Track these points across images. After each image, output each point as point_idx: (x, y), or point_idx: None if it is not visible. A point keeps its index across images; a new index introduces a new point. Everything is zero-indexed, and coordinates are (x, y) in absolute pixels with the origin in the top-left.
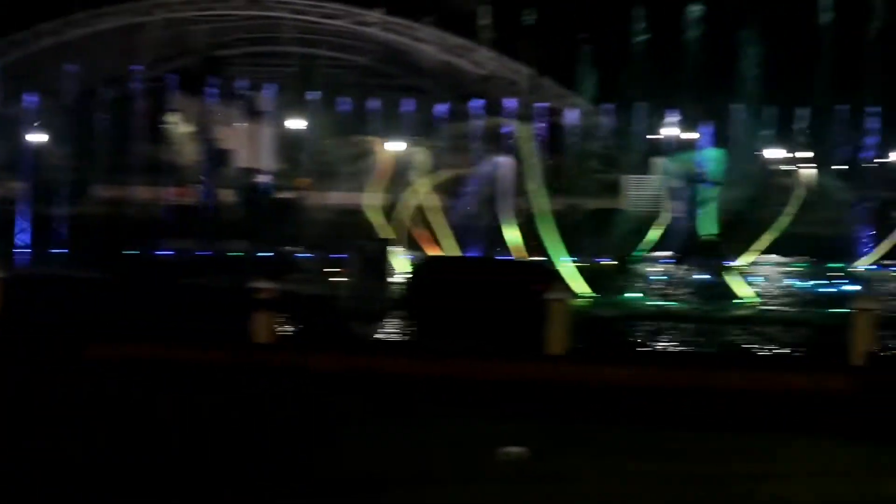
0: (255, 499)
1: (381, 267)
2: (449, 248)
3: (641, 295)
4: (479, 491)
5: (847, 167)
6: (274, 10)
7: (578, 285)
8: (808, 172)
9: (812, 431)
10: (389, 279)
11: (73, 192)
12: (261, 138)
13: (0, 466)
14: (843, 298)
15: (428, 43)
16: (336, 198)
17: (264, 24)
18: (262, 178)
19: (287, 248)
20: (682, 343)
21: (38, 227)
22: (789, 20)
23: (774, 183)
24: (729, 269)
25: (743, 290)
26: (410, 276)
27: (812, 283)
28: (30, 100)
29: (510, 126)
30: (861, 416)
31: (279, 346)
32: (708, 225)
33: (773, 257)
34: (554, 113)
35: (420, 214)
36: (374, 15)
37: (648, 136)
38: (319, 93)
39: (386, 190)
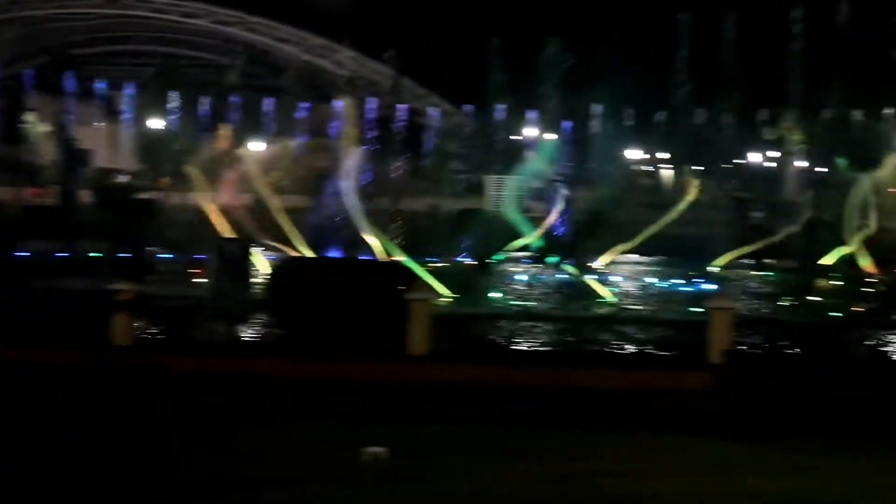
0: (122, 500)
1: (243, 267)
2: (306, 248)
3: (502, 295)
4: (344, 492)
5: (704, 168)
6: (133, 8)
7: (440, 286)
8: (667, 173)
9: (673, 428)
10: (251, 280)
11: None
12: (120, 138)
13: None
14: (701, 297)
15: (289, 43)
16: (197, 198)
17: (124, 23)
18: (121, 178)
19: (148, 248)
20: (544, 343)
21: None
22: (653, 24)
23: (635, 183)
24: (589, 268)
25: (602, 289)
26: (270, 276)
27: (671, 282)
28: None
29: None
30: (720, 413)
31: (139, 348)
32: (567, 225)
33: (634, 257)
34: (415, 113)
35: (280, 214)
36: (235, 14)
37: (511, 137)
38: (179, 92)
39: (247, 190)
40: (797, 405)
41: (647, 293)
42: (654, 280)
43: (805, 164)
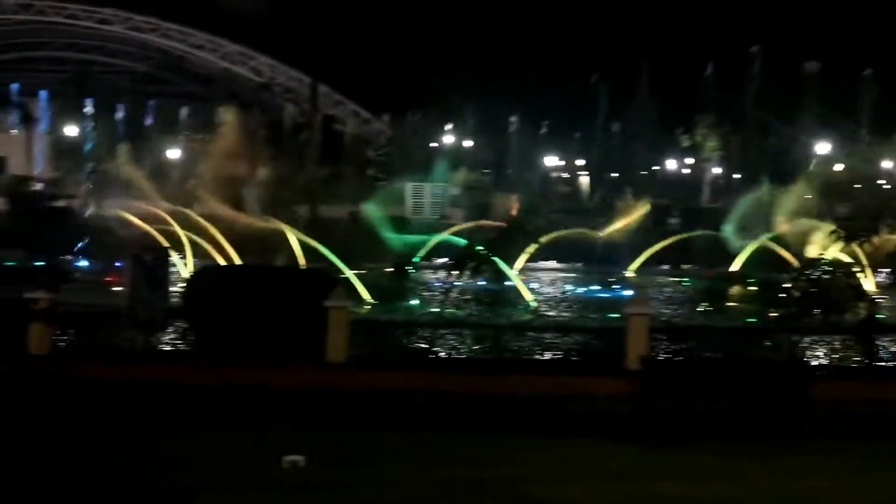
0: None
1: (160, 276)
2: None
3: (418, 302)
4: (264, 499)
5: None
6: (47, 14)
7: (358, 293)
8: (584, 180)
9: (593, 434)
10: (169, 288)
11: None
12: (35, 145)
13: None
14: (618, 303)
15: (205, 50)
16: (116, 206)
17: (38, 29)
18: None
19: (65, 257)
20: (463, 349)
21: None
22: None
23: (553, 190)
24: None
25: (525, 295)
26: (186, 285)
27: (589, 288)
28: None
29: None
30: (638, 418)
31: (55, 357)
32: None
33: (551, 263)
34: (332, 120)
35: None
36: (150, 21)
37: (431, 144)
38: (95, 99)
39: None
40: (713, 410)
41: (565, 299)
42: (572, 286)
43: (719, 170)
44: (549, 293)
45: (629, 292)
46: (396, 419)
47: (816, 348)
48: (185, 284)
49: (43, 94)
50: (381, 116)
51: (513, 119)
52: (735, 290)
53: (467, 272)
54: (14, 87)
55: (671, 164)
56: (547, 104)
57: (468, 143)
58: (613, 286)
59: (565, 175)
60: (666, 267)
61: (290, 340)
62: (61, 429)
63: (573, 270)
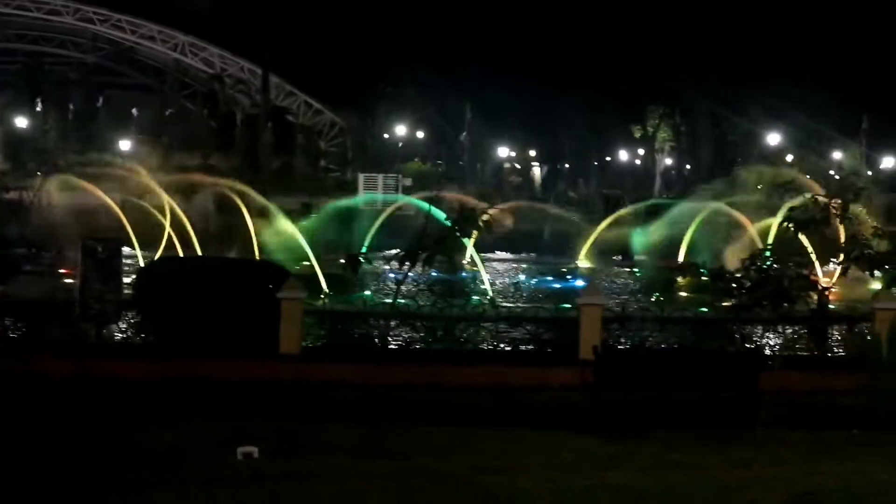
0: None
1: (112, 268)
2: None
3: (370, 293)
4: (214, 492)
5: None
6: None
7: (312, 284)
8: (536, 171)
9: (546, 425)
10: (122, 280)
11: None
12: None
13: None
14: (570, 293)
15: (156, 41)
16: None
17: None
18: None
19: (15, 249)
20: (416, 340)
21: None
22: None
23: (505, 180)
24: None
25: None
26: (138, 276)
27: (538, 279)
28: None
29: None
30: (591, 409)
31: (2, 350)
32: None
33: (503, 254)
34: (283, 111)
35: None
36: (101, 12)
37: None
38: (45, 90)
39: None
40: (665, 400)
41: (518, 290)
42: (524, 277)
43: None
44: (501, 284)
45: (581, 283)
46: (351, 410)
47: (768, 338)
48: (136, 276)
49: None
50: (333, 107)
51: (466, 110)
52: (687, 280)
53: (420, 263)
54: None
55: (623, 155)
56: (500, 94)
57: (420, 135)
58: (566, 276)
59: (517, 166)
60: (619, 257)
61: (243, 332)
62: (4, 424)
63: (525, 261)
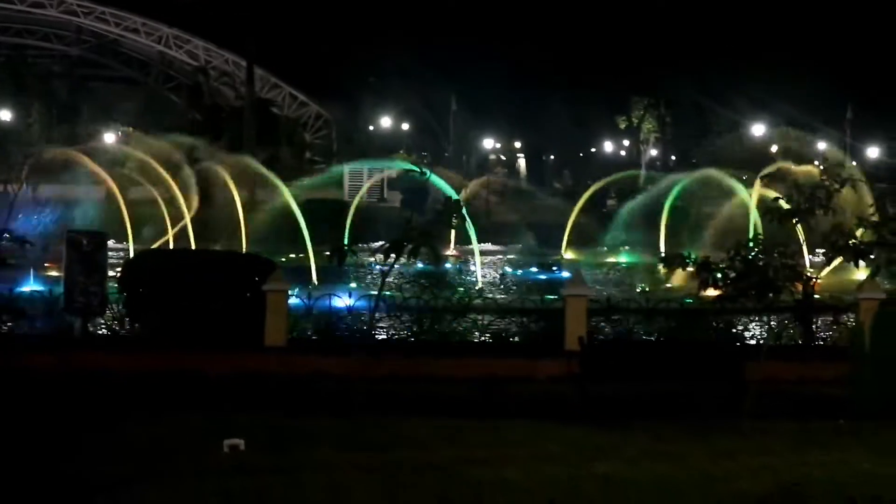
0: None
1: (97, 260)
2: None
3: (355, 285)
4: (201, 484)
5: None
6: None
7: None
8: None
9: (533, 416)
10: (106, 273)
11: None
12: None
13: None
14: (556, 285)
15: (140, 33)
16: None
17: None
18: None
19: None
20: (402, 332)
21: None
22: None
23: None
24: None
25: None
26: (122, 269)
27: (527, 270)
28: None
29: None
30: (578, 400)
31: None
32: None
33: (487, 246)
34: (268, 104)
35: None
36: (84, 4)
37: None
38: (29, 83)
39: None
40: (650, 391)
41: (504, 281)
42: (510, 269)
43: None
44: (487, 275)
45: (566, 274)
46: (337, 403)
47: (754, 328)
48: (121, 269)
49: None
50: (319, 99)
51: (451, 102)
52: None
53: (405, 254)
54: None
55: (608, 147)
56: (485, 86)
57: (406, 126)
58: (552, 268)
59: (503, 157)
60: (604, 248)
61: (228, 325)
62: None
63: (510, 252)
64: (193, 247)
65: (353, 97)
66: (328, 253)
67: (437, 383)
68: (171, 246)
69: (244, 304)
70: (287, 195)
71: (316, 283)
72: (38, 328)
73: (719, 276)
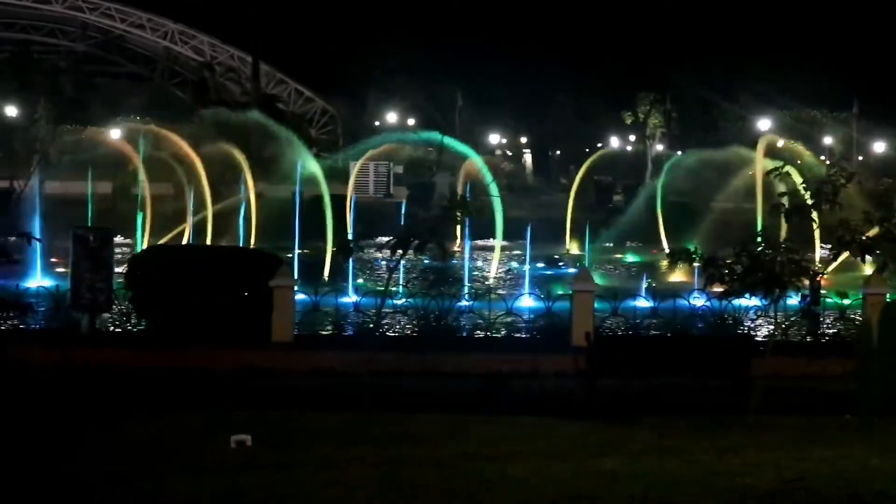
0: None
1: (104, 257)
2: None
3: (362, 281)
4: (208, 480)
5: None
6: None
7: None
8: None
9: (540, 412)
10: (113, 270)
11: None
12: None
13: None
14: (562, 280)
15: (146, 29)
16: (57, 187)
17: None
18: None
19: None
20: (409, 328)
21: None
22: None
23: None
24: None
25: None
26: (129, 266)
27: (534, 265)
28: None
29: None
30: (585, 396)
31: None
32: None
33: (491, 241)
34: (274, 99)
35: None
36: (91, 0)
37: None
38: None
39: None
40: (657, 386)
41: (510, 277)
42: (516, 264)
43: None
44: (493, 271)
45: (572, 270)
46: (343, 398)
47: (761, 324)
48: (128, 265)
49: None
50: (324, 95)
51: (457, 97)
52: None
53: (411, 250)
54: None
55: (615, 142)
56: (491, 81)
57: (411, 122)
58: (558, 263)
59: (509, 152)
60: (610, 244)
61: (235, 321)
62: None
63: (515, 248)
64: (209, 242)
65: (358, 93)
66: (334, 249)
67: (443, 379)
68: (187, 241)
69: (250, 300)
70: (325, 192)
71: (326, 278)
72: (45, 324)
73: (726, 271)
